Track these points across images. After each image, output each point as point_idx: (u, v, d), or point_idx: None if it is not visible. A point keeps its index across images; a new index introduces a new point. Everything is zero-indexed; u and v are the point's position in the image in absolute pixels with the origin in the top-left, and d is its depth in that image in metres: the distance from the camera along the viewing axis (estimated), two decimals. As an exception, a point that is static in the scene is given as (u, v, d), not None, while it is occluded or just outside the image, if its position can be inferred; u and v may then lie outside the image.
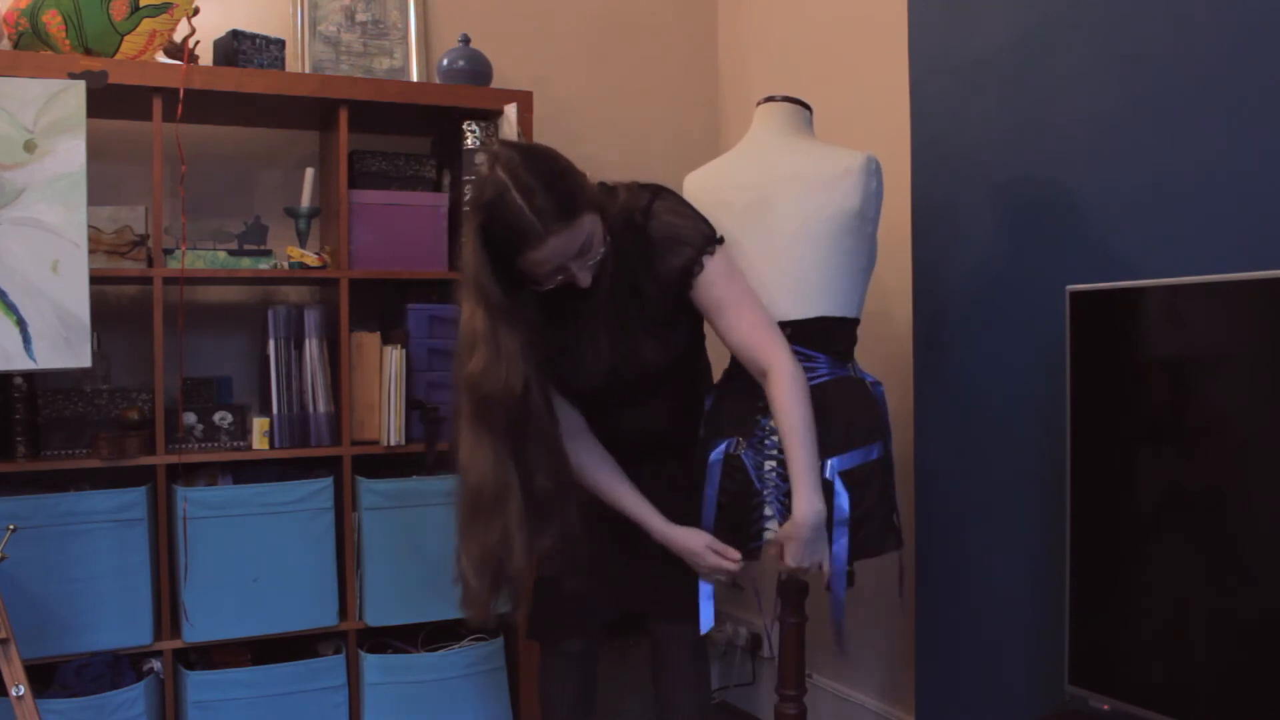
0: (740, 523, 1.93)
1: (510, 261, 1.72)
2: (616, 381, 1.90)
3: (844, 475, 1.85)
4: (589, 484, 1.92)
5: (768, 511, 1.92)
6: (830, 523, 1.85)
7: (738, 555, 1.88)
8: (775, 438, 1.90)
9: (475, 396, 1.75)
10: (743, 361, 1.90)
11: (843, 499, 1.84)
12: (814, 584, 2.05)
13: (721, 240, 1.87)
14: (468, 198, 2.39)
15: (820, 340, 1.92)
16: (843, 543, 1.85)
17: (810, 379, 1.89)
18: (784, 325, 1.92)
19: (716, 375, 2.06)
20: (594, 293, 1.80)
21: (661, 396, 1.98)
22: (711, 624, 1.98)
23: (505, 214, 1.67)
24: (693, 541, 1.90)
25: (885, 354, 2.51)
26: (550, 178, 1.68)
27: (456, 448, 1.81)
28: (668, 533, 1.92)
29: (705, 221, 1.87)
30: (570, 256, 1.71)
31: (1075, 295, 1.70)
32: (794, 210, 1.92)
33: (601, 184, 1.84)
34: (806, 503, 1.80)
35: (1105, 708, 1.66)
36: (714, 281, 1.84)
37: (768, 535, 1.93)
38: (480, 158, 2.39)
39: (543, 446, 1.80)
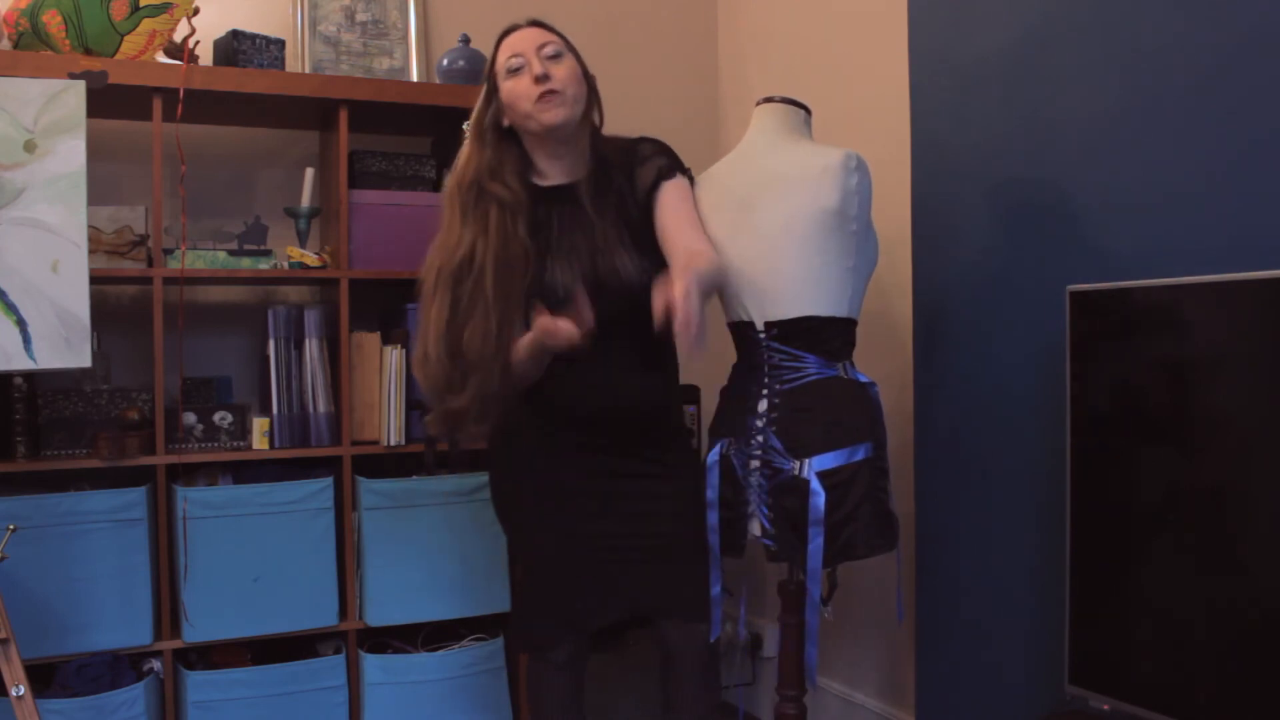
0: (734, 519, 1.94)
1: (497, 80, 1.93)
2: (595, 303, 1.77)
3: (822, 475, 1.84)
4: None
5: (749, 510, 1.92)
6: (805, 521, 1.84)
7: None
8: (760, 438, 1.90)
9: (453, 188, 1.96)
10: (672, 255, 1.86)
11: (819, 499, 1.83)
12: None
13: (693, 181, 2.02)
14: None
15: (806, 340, 1.91)
16: (818, 543, 1.83)
17: (796, 379, 1.89)
18: (770, 325, 1.91)
19: (724, 375, 2.06)
20: (578, 197, 1.91)
21: (633, 341, 1.87)
22: (719, 631, 1.97)
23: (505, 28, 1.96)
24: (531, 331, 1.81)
25: (885, 354, 2.51)
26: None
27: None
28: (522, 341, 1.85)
29: None
30: (536, 48, 1.90)
31: (1075, 295, 1.70)
32: (775, 211, 1.91)
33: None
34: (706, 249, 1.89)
35: (1105, 708, 1.66)
36: (679, 194, 1.96)
37: (752, 534, 1.93)
38: None
39: (483, 309, 1.85)
